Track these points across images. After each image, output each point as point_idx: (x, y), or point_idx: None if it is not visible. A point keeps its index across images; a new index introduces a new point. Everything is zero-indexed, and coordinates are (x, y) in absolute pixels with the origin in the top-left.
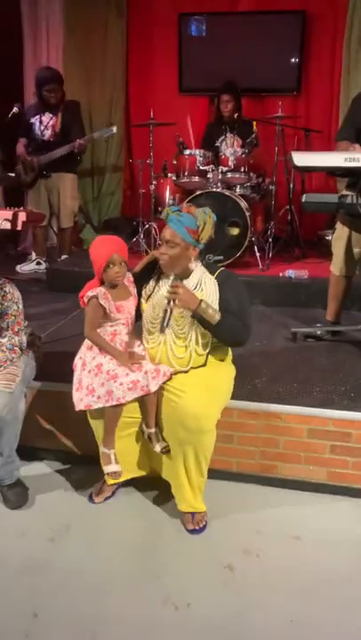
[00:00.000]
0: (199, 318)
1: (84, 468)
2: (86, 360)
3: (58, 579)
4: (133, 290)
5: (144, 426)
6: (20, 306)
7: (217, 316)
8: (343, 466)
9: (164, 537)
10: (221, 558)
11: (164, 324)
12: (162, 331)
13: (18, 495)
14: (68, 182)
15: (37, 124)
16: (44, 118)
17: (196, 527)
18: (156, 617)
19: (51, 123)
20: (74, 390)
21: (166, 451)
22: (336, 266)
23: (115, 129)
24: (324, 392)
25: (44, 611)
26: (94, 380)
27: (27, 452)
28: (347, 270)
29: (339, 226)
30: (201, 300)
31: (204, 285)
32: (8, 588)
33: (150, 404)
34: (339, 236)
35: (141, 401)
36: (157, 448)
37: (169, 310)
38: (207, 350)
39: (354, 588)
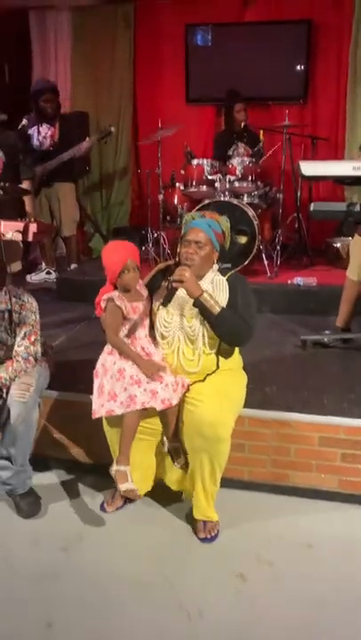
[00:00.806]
0: (200, 306)
1: (95, 477)
2: (107, 365)
3: (72, 588)
4: (145, 291)
5: (165, 439)
6: (38, 316)
7: (217, 308)
8: (355, 474)
9: (176, 546)
10: (234, 567)
11: (169, 299)
12: (164, 304)
13: (31, 504)
14: (69, 191)
15: (35, 134)
16: (41, 129)
17: (208, 536)
18: (169, 626)
19: (49, 133)
20: (94, 397)
21: (185, 467)
22: (350, 270)
23: (113, 129)
24: (335, 400)
25: (58, 620)
26: (116, 385)
27: (39, 461)
28: (359, 275)
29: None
30: (204, 291)
31: (216, 284)
32: (22, 597)
33: (172, 417)
34: (356, 242)
35: (163, 413)
36: (177, 464)
37: (175, 290)
38: (214, 350)
39: None
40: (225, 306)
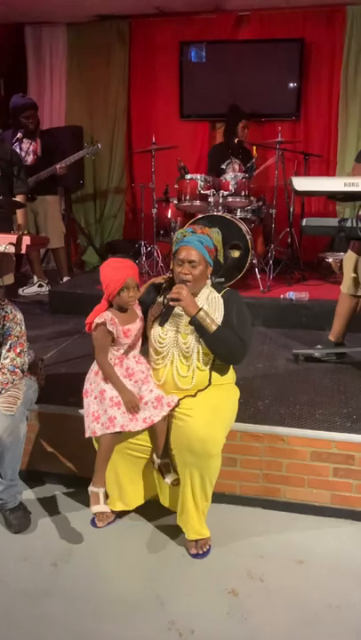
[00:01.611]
0: (197, 325)
1: (86, 492)
2: (93, 386)
3: (61, 604)
4: (139, 310)
5: (154, 456)
6: (23, 327)
7: (214, 326)
8: (347, 489)
9: (167, 562)
10: (225, 583)
11: (166, 318)
12: (161, 324)
13: (20, 519)
14: (53, 204)
15: (18, 150)
16: (23, 145)
17: (200, 552)
18: None
19: (31, 148)
20: (84, 417)
21: (177, 483)
22: (344, 284)
23: (99, 145)
24: (327, 414)
25: (47, 637)
26: (99, 407)
27: (29, 475)
28: (353, 289)
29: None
30: (200, 308)
31: (212, 302)
32: (11, 614)
33: (160, 434)
34: (348, 256)
35: (151, 430)
36: (168, 480)
37: (172, 308)
38: (208, 366)
39: (359, 612)
40: (220, 323)
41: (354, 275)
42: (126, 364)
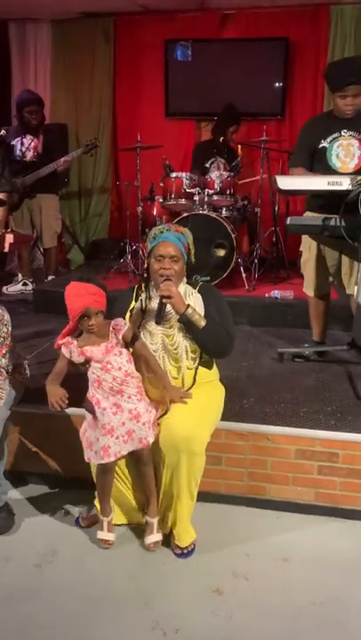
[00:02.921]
0: (186, 321)
1: (70, 492)
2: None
3: (45, 606)
4: (115, 337)
5: (146, 513)
6: (9, 328)
7: (203, 322)
8: (331, 486)
9: (151, 561)
10: (210, 582)
11: (161, 316)
12: (157, 322)
13: (4, 520)
14: (51, 203)
15: (18, 145)
16: (25, 140)
17: (184, 551)
18: None
19: (32, 144)
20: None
21: (153, 547)
22: (309, 288)
23: (98, 142)
24: (311, 412)
25: (30, 638)
26: (92, 433)
27: (12, 475)
28: (320, 290)
29: (305, 249)
30: (188, 305)
31: (190, 298)
32: None
33: (148, 488)
34: (307, 259)
35: (141, 478)
36: (147, 540)
37: (165, 305)
38: (196, 364)
39: (343, 609)
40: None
41: (329, 264)
42: (107, 385)
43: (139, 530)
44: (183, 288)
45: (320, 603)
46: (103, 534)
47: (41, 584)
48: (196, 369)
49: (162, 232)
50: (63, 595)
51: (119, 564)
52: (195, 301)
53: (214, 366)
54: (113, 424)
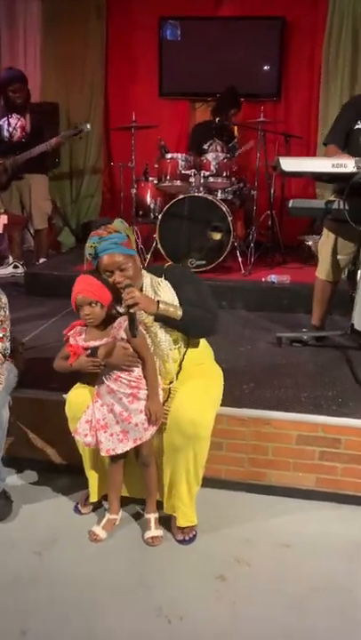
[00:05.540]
0: (162, 319)
1: (68, 478)
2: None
3: (46, 593)
4: (117, 334)
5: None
6: (7, 312)
7: (179, 312)
8: (332, 472)
9: (153, 548)
10: (213, 568)
11: (135, 327)
12: (134, 335)
13: (2, 507)
14: (40, 183)
15: (5, 125)
16: (11, 120)
17: (186, 537)
18: (149, 631)
19: (19, 124)
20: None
21: (152, 542)
22: (322, 271)
23: (89, 126)
24: (313, 397)
25: (33, 627)
26: (90, 426)
27: (11, 462)
28: (333, 276)
29: (325, 232)
30: (158, 301)
31: (159, 290)
32: None
33: (148, 487)
34: (325, 242)
35: (144, 477)
36: (146, 535)
37: (135, 314)
38: (178, 345)
39: (345, 594)
40: (177, 304)
41: (340, 256)
42: (106, 382)
43: (139, 516)
44: (148, 280)
45: (323, 588)
46: (98, 529)
47: (42, 571)
48: (184, 354)
49: (95, 247)
50: (65, 582)
51: (120, 552)
52: (163, 291)
53: (205, 347)
54: (107, 420)
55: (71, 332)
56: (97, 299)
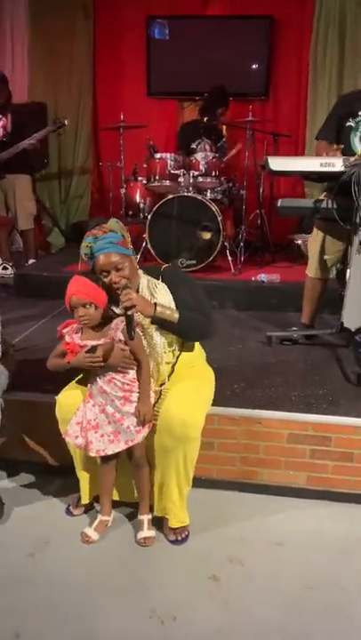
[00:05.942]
0: (159, 321)
1: (61, 480)
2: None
3: (39, 595)
4: (114, 335)
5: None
6: None
7: (176, 315)
8: (323, 470)
9: (145, 549)
10: (206, 568)
11: (132, 329)
12: (131, 337)
13: None
14: (24, 184)
15: None
16: None
17: (178, 538)
18: (142, 632)
19: (0, 124)
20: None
21: (144, 542)
22: (311, 269)
23: (66, 121)
24: (303, 396)
25: (26, 629)
26: (81, 427)
27: (2, 464)
28: (322, 273)
29: (314, 230)
30: (155, 303)
31: (155, 292)
32: None
33: (140, 489)
34: (314, 239)
35: (136, 478)
36: (138, 536)
37: (132, 316)
38: (172, 348)
39: (339, 592)
40: (174, 307)
41: (327, 256)
42: (99, 383)
43: (132, 517)
44: (145, 281)
45: (316, 587)
46: (90, 531)
47: (34, 572)
48: (178, 357)
49: (91, 246)
50: (58, 584)
51: (113, 553)
52: (160, 293)
53: (198, 349)
54: (98, 421)
55: (66, 329)
56: (91, 300)
